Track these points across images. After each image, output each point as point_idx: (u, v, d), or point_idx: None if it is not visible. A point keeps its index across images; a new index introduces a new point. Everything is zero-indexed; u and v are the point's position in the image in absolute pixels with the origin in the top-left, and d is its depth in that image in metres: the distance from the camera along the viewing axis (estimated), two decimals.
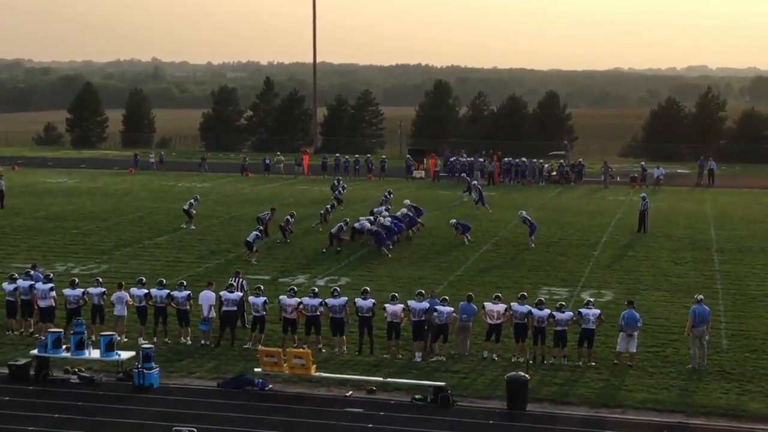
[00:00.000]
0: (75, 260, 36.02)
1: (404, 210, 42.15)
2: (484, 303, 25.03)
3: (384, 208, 42.95)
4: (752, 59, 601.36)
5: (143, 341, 24.75)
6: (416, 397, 21.49)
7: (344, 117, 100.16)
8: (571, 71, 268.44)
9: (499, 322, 24.43)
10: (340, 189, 51.78)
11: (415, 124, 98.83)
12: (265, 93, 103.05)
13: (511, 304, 24.74)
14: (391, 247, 38.06)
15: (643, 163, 67.71)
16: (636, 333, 23.98)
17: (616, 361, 23.83)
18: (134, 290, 25.86)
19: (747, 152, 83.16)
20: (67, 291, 25.87)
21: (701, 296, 25.03)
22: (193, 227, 43.29)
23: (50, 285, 26.16)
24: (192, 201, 44.96)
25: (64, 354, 22.90)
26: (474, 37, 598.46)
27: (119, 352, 22.97)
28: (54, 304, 25.96)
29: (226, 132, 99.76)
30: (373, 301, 24.98)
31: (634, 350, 23.93)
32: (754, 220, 47.77)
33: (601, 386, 22.34)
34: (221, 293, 25.66)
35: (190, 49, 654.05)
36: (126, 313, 25.78)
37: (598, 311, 24.33)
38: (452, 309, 24.62)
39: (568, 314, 24.22)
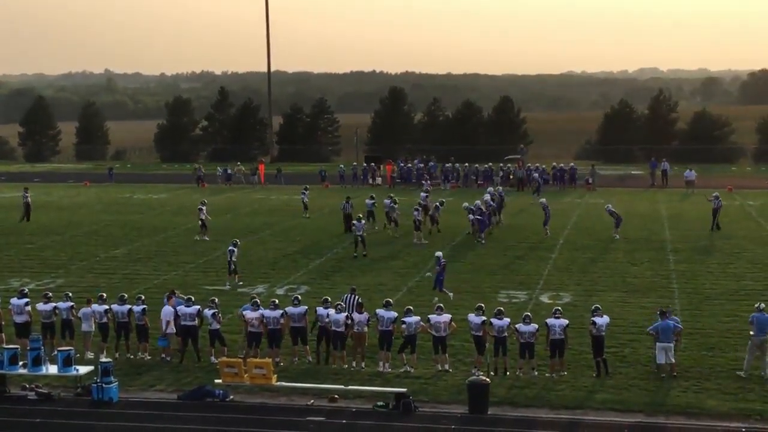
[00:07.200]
0: (30, 275, 35.59)
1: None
2: (429, 315, 24.31)
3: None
4: (702, 60, 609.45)
5: (104, 358, 24.51)
6: (378, 404, 21.49)
7: (300, 125, 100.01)
8: (524, 76, 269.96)
9: (444, 335, 23.90)
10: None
11: (371, 131, 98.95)
12: (219, 103, 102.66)
13: (468, 315, 24.43)
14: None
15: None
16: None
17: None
18: (95, 306, 25.59)
19: (699, 152, 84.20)
20: (40, 306, 25.79)
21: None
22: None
23: (26, 300, 26.00)
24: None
25: (21, 370, 22.66)
26: (428, 43, 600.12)
27: (77, 367, 22.75)
28: (29, 320, 25.76)
29: (181, 143, 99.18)
30: (346, 314, 24.55)
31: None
32: (707, 219, 48.24)
33: (562, 388, 22.47)
34: (178, 307, 25.26)
35: (143, 61, 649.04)
36: (93, 329, 25.51)
37: (566, 322, 23.63)
38: (419, 318, 24.20)
39: (533, 327, 23.54)
